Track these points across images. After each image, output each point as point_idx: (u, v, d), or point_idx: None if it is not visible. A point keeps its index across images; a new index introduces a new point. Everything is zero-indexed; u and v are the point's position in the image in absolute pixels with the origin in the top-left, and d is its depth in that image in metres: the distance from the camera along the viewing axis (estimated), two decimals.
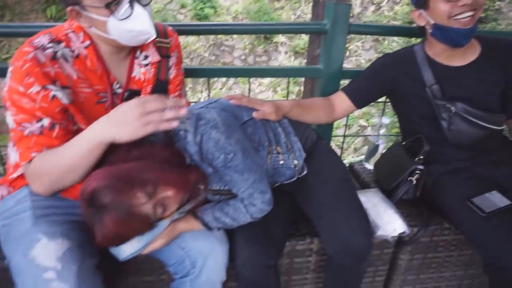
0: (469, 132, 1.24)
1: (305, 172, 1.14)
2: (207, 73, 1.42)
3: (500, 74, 1.22)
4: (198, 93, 8.35)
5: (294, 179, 1.13)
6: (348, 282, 1.16)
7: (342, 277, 1.15)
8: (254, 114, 1.09)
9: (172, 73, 1.14)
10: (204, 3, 8.46)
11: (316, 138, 1.21)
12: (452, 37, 1.16)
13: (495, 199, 1.17)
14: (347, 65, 7.09)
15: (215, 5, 8.58)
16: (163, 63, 1.10)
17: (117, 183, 0.79)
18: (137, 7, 0.91)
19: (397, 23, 6.94)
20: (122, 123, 0.82)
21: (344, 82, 1.44)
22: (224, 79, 7.31)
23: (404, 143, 1.44)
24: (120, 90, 1.03)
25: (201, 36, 8.59)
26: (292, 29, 1.46)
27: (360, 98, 1.37)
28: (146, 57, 1.07)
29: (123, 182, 0.79)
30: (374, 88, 1.36)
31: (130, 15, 0.90)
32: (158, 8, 8.87)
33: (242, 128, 1.02)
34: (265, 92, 7.32)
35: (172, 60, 1.13)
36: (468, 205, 1.17)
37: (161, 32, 1.12)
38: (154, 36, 0.98)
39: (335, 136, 1.58)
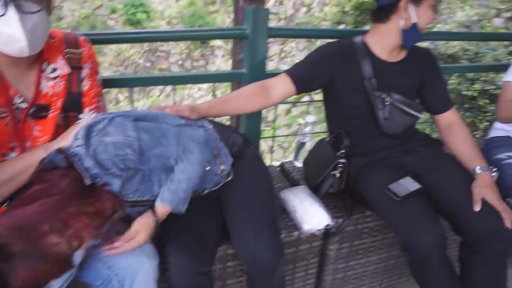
0: (403, 120, 1.35)
1: (231, 177, 1.15)
2: (127, 83, 1.37)
3: (418, 74, 1.39)
4: (135, 102, 8.04)
5: (221, 184, 1.15)
6: None
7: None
8: (167, 110, 1.08)
9: (86, 85, 1.09)
10: (136, 8, 8.19)
11: (243, 142, 1.23)
12: (413, 40, 1.30)
13: (408, 184, 1.28)
14: (283, 66, 7.30)
15: (148, 9, 8.35)
16: (75, 75, 1.06)
17: (22, 231, 0.74)
18: (12, 9, 0.83)
19: (326, 23, 7.29)
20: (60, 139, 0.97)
21: None
22: (161, 86, 7.13)
23: (328, 139, 1.53)
24: (24, 105, 0.97)
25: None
26: (213, 35, 1.47)
27: (303, 83, 1.35)
28: (54, 69, 1.01)
29: (29, 228, 0.74)
30: (317, 76, 1.36)
31: (2, 15, 0.83)
32: (86, 13, 8.42)
33: None
34: (205, 96, 7.28)
35: (85, 72, 1.09)
36: (385, 192, 1.26)
37: (71, 42, 1.07)
38: (29, 50, 0.88)
39: (264, 137, 1.61)
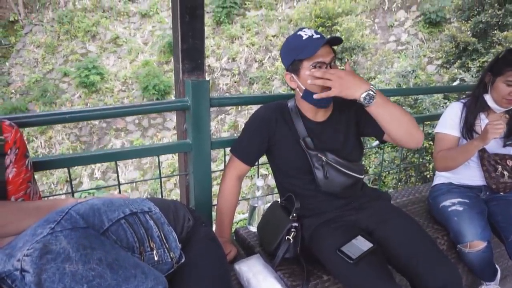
0: (340, 180, 1.36)
1: (182, 261, 1.08)
2: (66, 163, 1.30)
3: (349, 119, 1.41)
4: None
5: (173, 269, 1.07)
6: None
7: None
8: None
9: (11, 172, 1.02)
10: (89, 70, 8.19)
11: (194, 223, 1.17)
12: (317, 101, 1.29)
13: (360, 244, 1.27)
14: (241, 119, 7.46)
15: (102, 71, 8.38)
16: None
17: None
18: None
19: (278, 77, 7.66)
20: None
21: (214, 152, 1.47)
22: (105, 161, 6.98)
23: (280, 202, 1.51)
24: None
25: (88, 104, 8.17)
26: (156, 109, 1.47)
27: (250, 157, 1.43)
28: None
29: None
30: (260, 142, 1.40)
31: None
32: (37, 77, 8.27)
33: (103, 236, 0.93)
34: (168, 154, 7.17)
35: (10, 158, 1.02)
36: (338, 255, 1.24)
37: None
38: None
39: (215, 205, 1.57)
